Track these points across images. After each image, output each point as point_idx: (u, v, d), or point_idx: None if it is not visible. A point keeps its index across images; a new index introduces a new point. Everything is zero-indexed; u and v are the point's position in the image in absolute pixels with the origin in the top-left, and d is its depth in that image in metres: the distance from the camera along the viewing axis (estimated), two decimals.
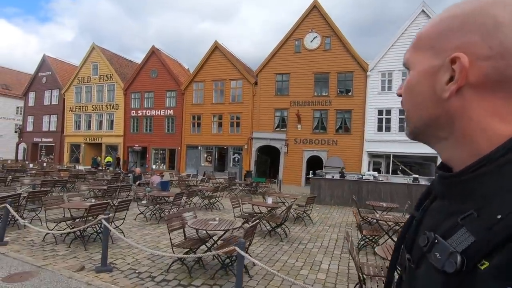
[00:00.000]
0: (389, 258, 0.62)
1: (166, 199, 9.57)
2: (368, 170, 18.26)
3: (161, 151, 26.92)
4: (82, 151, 29.80)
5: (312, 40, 21.61)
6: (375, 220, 6.99)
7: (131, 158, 28.37)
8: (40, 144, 32.81)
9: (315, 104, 21.40)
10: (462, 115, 0.47)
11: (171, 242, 5.08)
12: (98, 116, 29.19)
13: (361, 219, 7.40)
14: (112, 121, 28.58)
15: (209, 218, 5.70)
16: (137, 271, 4.85)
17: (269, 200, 8.46)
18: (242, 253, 3.74)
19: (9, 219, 6.54)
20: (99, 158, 27.16)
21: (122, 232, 6.70)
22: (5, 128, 36.47)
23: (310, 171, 16.31)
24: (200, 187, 13.14)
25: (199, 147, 24.87)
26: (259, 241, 6.83)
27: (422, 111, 0.52)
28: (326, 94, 21.30)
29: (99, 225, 6.03)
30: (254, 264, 5.08)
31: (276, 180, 19.40)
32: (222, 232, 5.28)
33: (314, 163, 20.51)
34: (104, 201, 6.87)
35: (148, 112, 26.89)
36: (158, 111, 26.49)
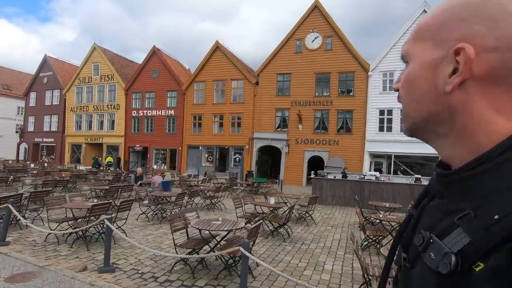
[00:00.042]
0: None
1: (168, 199, 9.55)
2: (370, 170, 18.23)
3: (162, 151, 26.91)
4: (83, 151, 29.80)
5: (313, 40, 21.59)
6: (378, 221, 6.96)
7: (132, 158, 28.37)
8: (41, 144, 32.82)
9: (316, 104, 21.37)
10: (464, 110, 0.45)
11: (174, 243, 5.05)
12: (99, 116, 29.19)
13: (364, 219, 7.37)
14: (113, 121, 28.58)
15: (212, 219, 5.67)
16: (140, 272, 4.83)
17: (272, 200, 8.44)
18: (247, 253, 3.72)
19: (11, 219, 6.52)
20: (100, 158, 27.17)
21: (124, 232, 6.68)
22: (6, 128, 36.50)
23: (312, 171, 16.28)
24: (201, 187, 13.11)
25: (200, 147, 24.85)
26: (261, 241, 6.80)
27: (422, 105, 0.49)
28: (327, 94, 21.26)
29: (101, 225, 6.01)
30: (257, 265, 5.07)
31: (277, 180, 19.37)
32: (225, 233, 5.25)
33: (315, 163, 20.47)
34: (106, 201, 6.84)
35: (149, 112, 26.89)
36: (159, 111, 26.48)
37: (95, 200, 7.74)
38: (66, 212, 6.94)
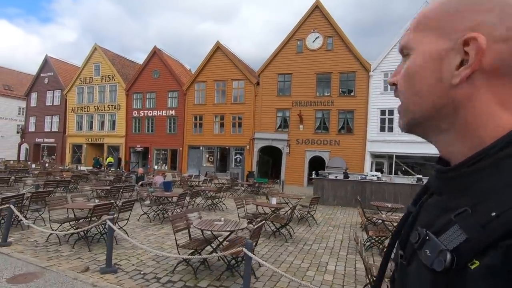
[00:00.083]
0: None
1: (170, 199, 9.54)
2: (371, 171, 18.20)
3: (163, 152, 26.91)
4: (84, 151, 29.81)
5: (314, 40, 21.57)
6: (380, 221, 6.93)
7: (133, 158, 28.38)
8: (42, 144, 32.83)
9: (317, 105, 21.34)
10: (468, 104, 0.43)
11: (176, 243, 5.03)
12: (100, 117, 29.20)
13: (366, 219, 7.35)
14: (114, 121, 28.58)
15: (214, 219, 5.65)
16: (142, 272, 4.81)
17: (273, 201, 8.41)
18: (250, 254, 3.70)
19: (12, 220, 6.50)
20: (100, 158, 27.17)
21: (126, 233, 6.66)
22: (7, 129, 36.55)
23: (313, 172, 16.26)
24: (203, 187, 13.10)
25: (201, 148, 24.84)
26: (263, 242, 6.78)
27: (424, 99, 0.47)
28: (328, 94, 21.24)
29: (103, 225, 6.00)
30: (259, 265, 5.05)
31: (278, 181, 19.35)
32: (228, 233, 5.23)
33: (316, 164, 20.44)
34: (108, 202, 6.83)
35: (150, 113, 26.89)
36: (160, 112, 26.48)
37: (96, 201, 7.73)
38: (67, 213, 6.93)
